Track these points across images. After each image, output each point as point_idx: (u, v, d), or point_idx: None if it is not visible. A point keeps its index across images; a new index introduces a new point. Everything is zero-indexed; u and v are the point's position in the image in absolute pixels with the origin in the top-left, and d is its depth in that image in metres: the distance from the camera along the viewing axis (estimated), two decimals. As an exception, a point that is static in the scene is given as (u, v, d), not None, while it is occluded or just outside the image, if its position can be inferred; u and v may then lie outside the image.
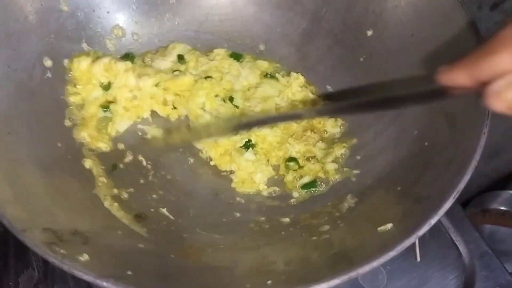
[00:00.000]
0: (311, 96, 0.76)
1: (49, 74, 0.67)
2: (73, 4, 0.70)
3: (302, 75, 0.77)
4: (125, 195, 0.65)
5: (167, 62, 0.75)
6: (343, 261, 0.50)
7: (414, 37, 0.66)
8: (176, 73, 0.74)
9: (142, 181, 0.69)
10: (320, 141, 0.73)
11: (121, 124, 0.72)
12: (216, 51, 0.79)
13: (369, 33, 0.72)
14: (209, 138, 0.71)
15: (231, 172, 0.72)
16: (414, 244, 0.70)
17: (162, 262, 0.54)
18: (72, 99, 0.69)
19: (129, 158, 0.70)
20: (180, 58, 0.76)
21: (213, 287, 0.51)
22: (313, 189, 0.69)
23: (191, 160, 0.72)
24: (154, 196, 0.67)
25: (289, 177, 0.70)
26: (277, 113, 0.73)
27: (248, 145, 0.71)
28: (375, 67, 0.72)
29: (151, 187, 0.68)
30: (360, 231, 0.55)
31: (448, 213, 0.65)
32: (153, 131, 0.73)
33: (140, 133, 0.73)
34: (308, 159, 0.72)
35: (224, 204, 0.69)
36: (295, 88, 0.75)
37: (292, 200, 0.69)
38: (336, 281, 0.43)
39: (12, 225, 0.46)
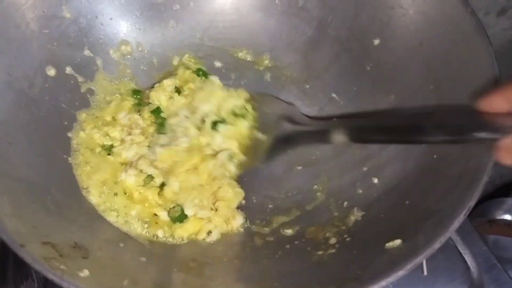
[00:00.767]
0: None
1: (50, 82, 0.66)
2: (76, 11, 0.69)
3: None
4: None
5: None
6: (350, 278, 0.48)
7: (423, 46, 0.65)
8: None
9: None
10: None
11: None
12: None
13: (376, 42, 0.71)
14: None
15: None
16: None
17: (165, 277, 0.53)
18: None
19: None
20: None
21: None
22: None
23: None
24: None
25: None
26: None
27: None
28: (382, 76, 0.71)
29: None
30: (367, 246, 0.54)
31: (456, 226, 0.63)
32: None
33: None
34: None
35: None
36: None
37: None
38: (343, 301, 0.42)
39: (11, 240, 0.45)
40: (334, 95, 0.76)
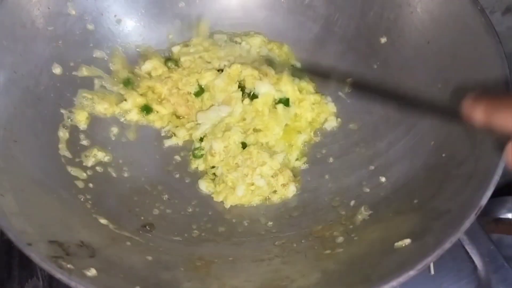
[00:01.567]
0: None
1: (55, 80, 0.65)
2: (81, 8, 0.68)
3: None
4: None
5: None
6: (360, 278, 0.48)
7: (430, 44, 0.65)
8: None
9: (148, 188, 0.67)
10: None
11: None
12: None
13: (383, 40, 0.71)
14: None
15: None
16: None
17: (172, 276, 0.53)
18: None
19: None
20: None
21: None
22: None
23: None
24: (161, 207, 0.65)
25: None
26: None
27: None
28: (390, 75, 0.70)
29: (159, 198, 0.67)
30: (376, 245, 0.53)
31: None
32: None
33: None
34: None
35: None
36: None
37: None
38: (354, 301, 0.41)
39: (18, 239, 0.45)
40: (340, 93, 0.76)
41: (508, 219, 1.00)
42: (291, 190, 0.69)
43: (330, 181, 0.70)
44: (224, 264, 0.58)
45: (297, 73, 0.76)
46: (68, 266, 0.44)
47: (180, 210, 0.66)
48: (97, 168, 0.65)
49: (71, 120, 0.66)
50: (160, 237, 0.60)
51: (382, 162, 0.67)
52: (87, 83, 0.70)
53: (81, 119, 0.67)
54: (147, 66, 0.74)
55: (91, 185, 0.62)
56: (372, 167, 0.67)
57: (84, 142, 0.67)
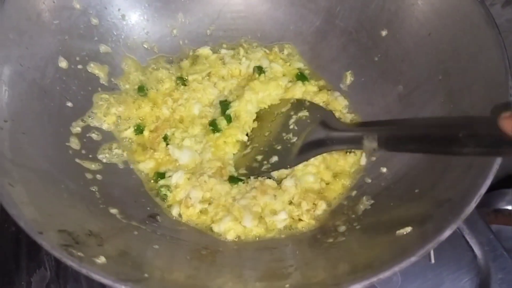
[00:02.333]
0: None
1: (61, 73, 0.66)
2: (85, 2, 0.69)
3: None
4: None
5: None
6: (362, 265, 0.49)
7: (431, 36, 0.65)
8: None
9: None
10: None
11: None
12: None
13: (384, 33, 0.71)
14: None
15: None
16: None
17: (178, 264, 0.54)
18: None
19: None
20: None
21: (230, 290, 0.50)
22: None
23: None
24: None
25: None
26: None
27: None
28: (391, 67, 0.71)
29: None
30: (378, 234, 0.55)
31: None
32: None
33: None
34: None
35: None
36: None
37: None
38: (356, 286, 0.42)
39: (29, 227, 0.46)
40: (341, 85, 0.77)
41: (508, 210, 1.01)
42: (322, 208, 0.66)
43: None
44: (229, 253, 0.59)
45: (302, 77, 0.78)
46: (79, 254, 0.45)
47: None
48: (104, 160, 0.66)
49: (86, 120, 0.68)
50: (166, 227, 0.61)
51: (383, 153, 0.68)
52: (93, 78, 0.71)
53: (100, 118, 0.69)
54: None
55: (98, 176, 0.63)
56: (373, 158, 0.68)
57: (94, 136, 0.68)
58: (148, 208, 0.64)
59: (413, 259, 0.44)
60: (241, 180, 0.68)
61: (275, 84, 0.76)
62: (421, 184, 0.58)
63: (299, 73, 0.78)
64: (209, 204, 0.65)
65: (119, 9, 0.74)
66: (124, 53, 0.75)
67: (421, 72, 0.67)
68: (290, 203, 0.66)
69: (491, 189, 1.13)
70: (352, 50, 0.76)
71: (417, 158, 0.62)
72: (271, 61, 0.79)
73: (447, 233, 0.45)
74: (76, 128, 0.66)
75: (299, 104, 0.72)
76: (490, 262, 0.70)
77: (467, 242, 0.71)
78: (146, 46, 0.77)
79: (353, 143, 0.64)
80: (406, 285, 0.68)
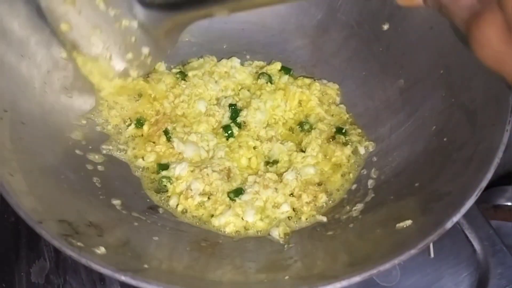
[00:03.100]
0: None
1: (62, 64, 0.66)
2: None
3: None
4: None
5: None
6: (362, 257, 0.49)
7: (433, 30, 0.65)
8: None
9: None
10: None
11: None
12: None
13: (385, 27, 0.71)
14: None
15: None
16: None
17: (178, 255, 0.54)
18: None
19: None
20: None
21: (231, 281, 0.50)
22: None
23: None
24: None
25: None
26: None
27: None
28: (392, 61, 0.71)
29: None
30: (378, 226, 0.54)
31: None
32: None
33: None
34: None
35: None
36: None
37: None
38: (356, 279, 0.43)
39: (28, 217, 0.45)
40: (343, 80, 0.77)
41: (507, 206, 1.01)
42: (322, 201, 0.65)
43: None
44: (229, 245, 0.59)
45: (285, 70, 0.78)
46: (78, 244, 0.45)
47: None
48: (105, 152, 0.66)
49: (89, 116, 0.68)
50: (166, 219, 0.61)
51: (383, 147, 0.68)
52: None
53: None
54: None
55: (100, 167, 0.63)
56: (375, 151, 0.68)
57: (98, 128, 0.68)
58: (148, 200, 0.63)
59: (412, 251, 0.44)
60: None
61: (282, 94, 0.75)
62: (421, 177, 0.58)
63: (282, 66, 0.78)
64: (208, 198, 0.65)
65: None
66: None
67: (422, 66, 0.67)
68: (291, 195, 0.65)
69: (491, 185, 1.14)
70: (353, 44, 0.76)
71: (418, 151, 0.62)
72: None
73: (447, 226, 0.45)
74: (81, 121, 0.66)
75: None
76: (489, 257, 0.70)
77: (467, 237, 0.71)
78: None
79: None
80: (405, 279, 0.68)
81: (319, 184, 0.67)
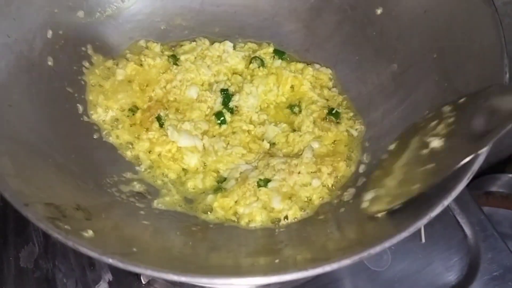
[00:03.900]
0: None
1: (50, 46, 0.65)
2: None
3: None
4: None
5: None
6: (353, 241, 0.49)
7: (427, 14, 0.64)
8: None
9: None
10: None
11: None
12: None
13: (379, 11, 0.71)
14: None
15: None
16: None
17: (167, 239, 0.54)
18: None
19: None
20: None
21: (220, 265, 0.50)
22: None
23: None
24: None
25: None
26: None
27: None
28: (385, 45, 0.70)
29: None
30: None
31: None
32: None
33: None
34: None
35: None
36: None
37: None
38: (347, 261, 0.42)
39: (14, 199, 0.45)
40: (336, 64, 0.76)
41: (499, 192, 1.02)
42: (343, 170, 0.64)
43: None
44: (220, 229, 0.58)
45: (279, 53, 0.77)
46: (65, 227, 0.45)
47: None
48: (96, 136, 0.66)
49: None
50: (156, 203, 0.61)
51: (376, 132, 0.67)
52: (81, 51, 0.70)
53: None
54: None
55: (89, 152, 0.62)
56: (366, 136, 0.68)
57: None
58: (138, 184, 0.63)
59: (404, 234, 0.44)
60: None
61: (275, 78, 0.75)
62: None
63: (275, 49, 0.77)
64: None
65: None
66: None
67: (416, 51, 0.66)
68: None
69: (483, 173, 1.15)
70: (347, 28, 0.75)
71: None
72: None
73: (438, 209, 0.45)
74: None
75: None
76: (480, 242, 0.70)
77: (458, 222, 0.72)
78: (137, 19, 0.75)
79: None
80: (396, 264, 0.68)
81: (329, 155, 0.66)
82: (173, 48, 0.77)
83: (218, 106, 0.72)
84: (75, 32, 0.69)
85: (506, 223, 0.99)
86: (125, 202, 0.58)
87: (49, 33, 0.65)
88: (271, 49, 0.77)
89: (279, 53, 0.77)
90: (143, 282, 0.66)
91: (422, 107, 0.62)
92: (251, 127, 0.70)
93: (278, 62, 0.76)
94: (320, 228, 0.55)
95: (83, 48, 0.70)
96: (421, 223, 0.44)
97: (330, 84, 0.75)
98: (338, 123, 0.70)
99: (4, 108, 0.55)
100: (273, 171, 0.64)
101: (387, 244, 0.43)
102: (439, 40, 0.63)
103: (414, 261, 0.69)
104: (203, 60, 0.75)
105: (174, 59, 0.75)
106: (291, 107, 0.73)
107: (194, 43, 0.77)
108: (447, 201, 0.45)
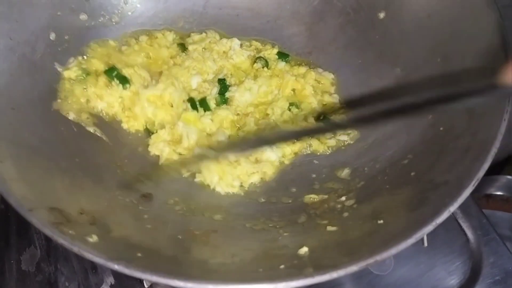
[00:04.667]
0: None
1: (52, 48, 0.64)
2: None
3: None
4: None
5: None
6: (358, 245, 0.48)
7: (431, 18, 0.64)
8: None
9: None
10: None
11: None
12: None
13: (382, 15, 0.71)
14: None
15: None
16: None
17: (171, 244, 0.53)
18: None
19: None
20: None
21: (224, 271, 0.49)
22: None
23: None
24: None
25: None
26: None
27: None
28: (389, 49, 0.70)
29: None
30: (373, 216, 0.54)
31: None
32: None
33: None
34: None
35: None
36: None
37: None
38: (353, 268, 0.42)
39: (19, 204, 0.44)
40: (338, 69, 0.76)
41: (499, 195, 1.02)
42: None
43: (327, 154, 0.70)
44: (223, 233, 0.58)
45: (282, 56, 0.77)
46: (70, 232, 0.44)
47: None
48: (97, 133, 0.66)
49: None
50: (159, 207, 0.60)
51: (379, 136, 0.67)
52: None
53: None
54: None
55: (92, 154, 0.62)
56: (369, 140, 0.68)
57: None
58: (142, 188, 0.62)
59: (410, 241, 0.44)
60: None
61: (278, 81, 0.75)
62: (417, 167, 0.57)
63: (279, 52, 0.78)
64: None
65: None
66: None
67: (420, 55, 0.66)
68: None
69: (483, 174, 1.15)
70: (350, 32, 0.75)
71: (413, 141, 0.61)
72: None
73: (444, 216, 0.45)
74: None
75: None
76: (482, 246, 0.70)
77: (460, 226, 0.71)
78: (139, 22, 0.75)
79: None
80: (399, 268, 0.68)
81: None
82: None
83: (213, 95, 0.73)
84: (78, 35, 0.68)
85: (505, 225, 0.99)
86: (129, 205, 0.58)
87: (52, 36, 0.64)
88: (275, 51, 0.77)
89: (283, 55, 0.77)
90: (146, 286, 0.66)
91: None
92: (236, 117, 0.71)
93: (282, 64, 0.76)
94: (324, 233, 0.55)
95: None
96: (427, 229, 0.45)
97: (332, 89, 0.75)
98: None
99: (6, 111, 0.55)
100: None
101: (393, 250, 0.43)
102: (443, 44, 0.63)
103: (416, 265, 0.68)
104: (210, 53, 0.76)
105: (182, 47, 0.76)
106: (290, 104, 0.73)
107: (204, 34, 0.78)
108: (453, 207, 0.46)
